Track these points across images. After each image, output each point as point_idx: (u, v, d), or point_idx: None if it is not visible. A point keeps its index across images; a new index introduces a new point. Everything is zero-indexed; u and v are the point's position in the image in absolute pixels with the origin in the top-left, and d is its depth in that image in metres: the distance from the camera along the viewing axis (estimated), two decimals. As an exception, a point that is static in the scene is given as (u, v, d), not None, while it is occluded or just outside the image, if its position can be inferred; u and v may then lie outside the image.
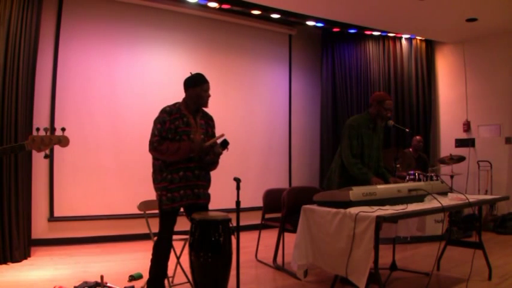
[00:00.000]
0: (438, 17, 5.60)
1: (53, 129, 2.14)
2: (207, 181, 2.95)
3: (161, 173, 2.80)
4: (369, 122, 3.42)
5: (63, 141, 2.12)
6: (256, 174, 6.28)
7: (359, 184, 3.08)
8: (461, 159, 5.73)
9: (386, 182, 3.35)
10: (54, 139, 2.10)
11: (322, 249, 2.77)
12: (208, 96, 2.90)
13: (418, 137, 5.98)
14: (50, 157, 2.20)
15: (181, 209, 2.89)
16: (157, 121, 2.81)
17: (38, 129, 2.09)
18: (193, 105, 2.88)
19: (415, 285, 3.37)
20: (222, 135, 2.80)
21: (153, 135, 2.79)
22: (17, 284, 3.34)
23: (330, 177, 3.56)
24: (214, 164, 2.93)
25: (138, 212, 3.24)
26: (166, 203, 2.78)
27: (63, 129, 2.12)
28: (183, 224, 2.90)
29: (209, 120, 3.01)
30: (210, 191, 3.00)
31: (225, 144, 2.78)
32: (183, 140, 2.77)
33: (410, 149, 5.96)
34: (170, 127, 2.77)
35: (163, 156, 2.76)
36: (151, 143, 2.77)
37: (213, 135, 2.98)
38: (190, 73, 2.93)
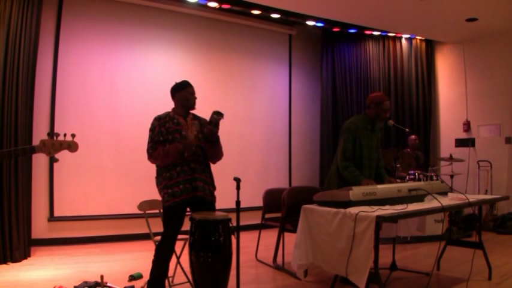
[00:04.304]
0: (438, 17, 5.60)
1: (56, 133, 2.19)
2: (206, 176, 2.93)
3: (161, 174, 2.89)
4: (367, 123, 3.40)
5: (73, 147, 2.18)
6: (256, 174, 6.27)
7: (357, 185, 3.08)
8: (461, 159, 5.73)
9: (382, 182, 3.34)
10: (64, 144, 2.15)
11: (322, 249, 2.77)
12: (195, 98, 3.01)
13: (413, 136, 6.01)
14: (57, 161, 2.28)
15: (189, 210, 2.90)
16: (149, 129, 2.94)
17: (49, 134, 2.14)
18: (181, 109, 2.98)
19: (415, 285, 3.37)
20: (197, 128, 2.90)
21: (147, 143, 2.91)
22: (17, 284, 3.34)
23: (329, 178, 3.56)
24: (213, 135, 2.87)
25: (138, 212, 3.25)
26: (167, 199, 2.81)
27: (73, 136, 2.17)
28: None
29: (202, 121, 3.06)
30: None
31: (219, 113, 2.82)
32: (176, 139, 2.83)
33: (408, 149, 5.98)
34: (161, 130, 2.87)
35: (157, 162, 2.88)
36: (147, 151, 2.90)
37: None
38: (175, 82, 3.04)
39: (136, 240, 5.07)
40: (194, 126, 2.96)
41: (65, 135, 2.17)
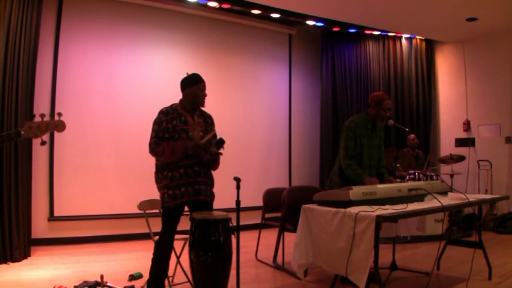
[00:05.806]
0: (438, 17, 5.60)
1: (52, 115, 2.11)
2: (209, 178, 2.95)
3: (162, 172, 2.85)
4: (367, 122, 3.41)
5: (60, 126, 2.08)
6: (256, 174, 6.27)
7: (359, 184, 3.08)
8: (461, 158, 5.73)
9: (382, 182, 3.35)
10: (51, 124, 2.06)
11: (322, 249, 2.77)
12: (205, 95, 2.93)
13: (411, 136, 6.01)
14: (47, 143, 2.16)
15: (186, 208, 2.90)
16: (154, 122, 2.86)
17: (34, 116, 2.05)
18: (189, 105, 2.91)
19: (415, 284, 3.37)
20: (212, 133, 2.82)
21: (151, 137, 2.84)
22: (17, 284, 3.34)
23: (331, 178, 3.56)
24: (214, 163, 2.93)
25: (138, 211, 3.25)
26: (167, 200, 2.79)
27: (59, 114, 2.08)
28: (183, 223, 2.91)
29: (207, 119, 3.03)
30: (211, 190, 3.01)
31: (220, 143, 2.77)
32: (182, 138, 2.78)
33: (406, 149, 5.99)
34: (167, 126, 2.80)
35: (161, 158, 2.81)
36: (149, 145, 2.83)
37: None
38: (187, 73, 2.96)
39: (136, 240, 5.07)
40: (199, 126, 2.92)
41: (53, 116, 2.08)
